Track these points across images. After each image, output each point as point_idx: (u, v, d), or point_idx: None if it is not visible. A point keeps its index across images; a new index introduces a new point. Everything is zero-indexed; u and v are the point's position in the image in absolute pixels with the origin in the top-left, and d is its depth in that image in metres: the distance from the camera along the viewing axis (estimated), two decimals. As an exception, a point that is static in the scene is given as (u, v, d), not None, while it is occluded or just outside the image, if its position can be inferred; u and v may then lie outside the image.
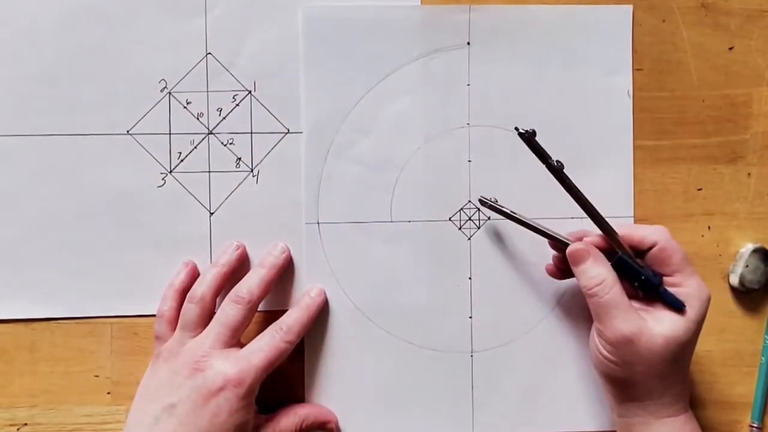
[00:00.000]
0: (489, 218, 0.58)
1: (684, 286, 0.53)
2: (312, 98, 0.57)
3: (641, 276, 0.53)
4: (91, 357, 0.57)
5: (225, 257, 0.56)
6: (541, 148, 0.52)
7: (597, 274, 0.53)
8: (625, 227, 0.54)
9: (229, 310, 0.53)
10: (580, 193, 0.53)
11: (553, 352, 0.59)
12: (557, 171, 0.52)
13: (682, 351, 0.52)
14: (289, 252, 0.57)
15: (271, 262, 0.56)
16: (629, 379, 0.52)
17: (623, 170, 0.59)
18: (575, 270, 0.53)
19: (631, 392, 0.53)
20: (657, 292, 0.53)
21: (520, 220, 0.55)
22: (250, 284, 0.54)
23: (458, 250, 0.59)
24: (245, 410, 0.51)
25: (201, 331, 0.54)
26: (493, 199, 0.57)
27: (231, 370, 0.51)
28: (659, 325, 0.52)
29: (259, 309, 0.56)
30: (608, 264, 0.53)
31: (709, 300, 0.53)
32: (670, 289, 0.53)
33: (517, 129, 0.52)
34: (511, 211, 0.56)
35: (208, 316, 0.54)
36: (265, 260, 0.56)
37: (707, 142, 0.60)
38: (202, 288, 0.54)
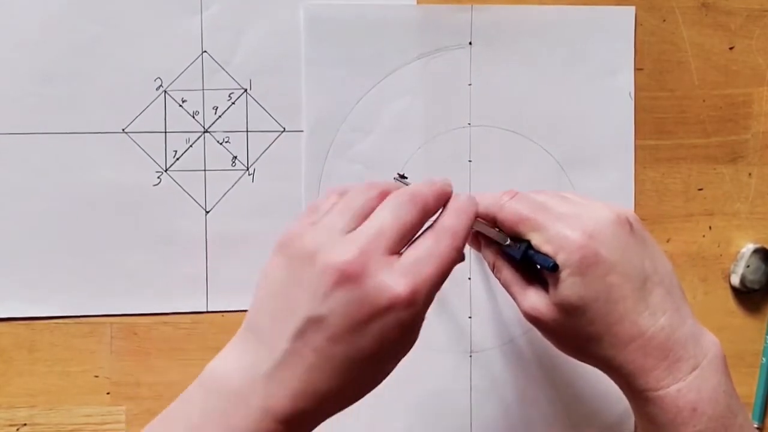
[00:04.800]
0: None
1: (545, 244, 0.43)
2: (313, 97, 0.56)
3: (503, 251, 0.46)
4: (91, 357, 0.56)
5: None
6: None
7: (488, 257, 0.49)
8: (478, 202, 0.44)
9: (400, 209, 0.40)
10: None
11: (552, 352, 0.55)
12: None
13: (576, 316, 0.42)
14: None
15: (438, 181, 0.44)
16: (583, 358, 0.46)
17: (624, 170, 0.58)
18: None
19: (615, 378, 0.45)
20: (519, 261, 0.45)
21: None
22: (425, 187, 0.42)
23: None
24: (417, 331, 0.40)
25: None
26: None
27: (399, 284, 0.37)
28: (550, 291, 0.44)
29: (237, 309, 0.55)
30: (492, 245, 0.48)
31: (581, 245, 0.42)
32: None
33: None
34: None
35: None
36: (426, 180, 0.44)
37: (708, 141, 0.59)
38: (381, 187, 0.42)
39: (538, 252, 0.44)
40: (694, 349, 0.42)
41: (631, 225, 0.44)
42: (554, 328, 0.44)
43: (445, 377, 0.57)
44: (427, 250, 0.39)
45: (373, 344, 0.37)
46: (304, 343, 0.37)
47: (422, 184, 0.42)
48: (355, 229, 0.39)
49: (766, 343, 0.59)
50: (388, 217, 0.39)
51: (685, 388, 0.41)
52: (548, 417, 0.58)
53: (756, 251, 0.58)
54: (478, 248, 0.49)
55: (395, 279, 0.37)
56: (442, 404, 0.57)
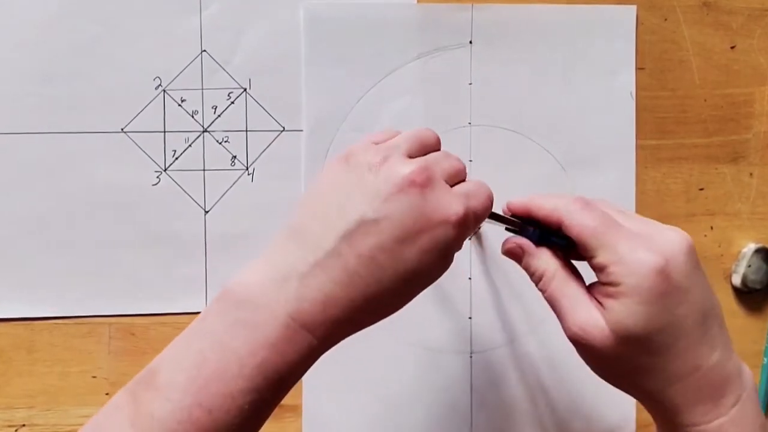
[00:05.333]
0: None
1: (614, 264, 0.39)
2: (312, 97, 0.56)
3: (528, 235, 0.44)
4: (89, 357, 0.56)
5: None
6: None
7: (536, 268, 0.44)
8: (533, 200, 0.44)
9: (452, 157, 0.43)
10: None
11: (553, 353, 0.58)
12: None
13: (633, 345, 0.39)
14: None
15: None
16: (625, 388, 0.42)
17: (625, 170, 0.58)
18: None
19: (655, 411, 0.42)
20: (546, 243, 0.43)
21: None
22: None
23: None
24: (452, 256, 0.40)
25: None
26: None
27: (456, 203, 0.39)
28: (607, 314, 0.40)
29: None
30: (548, 253, 0.44)
31: (658, 270, 0.38)
32: (600, 275, 0.41)
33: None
34: None
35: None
36: None
37: (709, 141, 0.59)
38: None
39: (552, 232, 0.43)
40: (737, 383, 0.40)
41: (696, 254, 0.40)
42: (603, 355, 0.40)
43: (445, 377, 0.57)
44: (476, 188, 0.41)
45: (416, 258, 0.38)
46: (350, 245, 0.37)
47: None
48: (415, 158, 0.40)
49: (767, 343, 0.59)
50: (443, 157, 0.41)
51: (727, 422, 0.39)
52: (548, 418, 0.58)
53: (757, 251, 0.58)
54: (520, 259, 0.45)
55: (453, 198, 0.39)
56: (442, 404, 0.57)
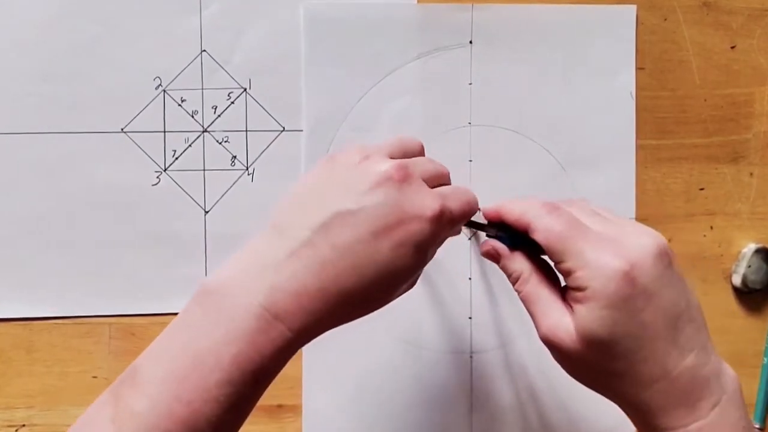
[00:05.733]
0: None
1: (580, 269, 0.39)
2: (312, 96, 0.56)
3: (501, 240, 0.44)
4: (89, 357, 0.56)
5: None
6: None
7: (512, 271, 0.44)
8: (504, 205, 0.45)
9: (435, 162, 0.44)
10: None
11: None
12: None
13: (600, 349, 0.39)
14: None
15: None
16: (600, 391, 0.42)
17: (625, 170, 0.58)
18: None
19: (632, 414, 0.42)
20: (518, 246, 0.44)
21: None
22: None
23: (458, 251, 0.57)
24: (428, 253, 0.41)
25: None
26: None
27: (432, 200, 0.40)
28: (575, 318, 0.40)
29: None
30: (521, 256, 0.44)
31: (622, 275, 0.38)
32: (567, 280, 0.41)
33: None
34: None
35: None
36: None
37: (709, 141, 0.59)
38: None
39: (524, 237, 0.43)
40: (715, 386, 0.39)
41: (669, 256, 0.40)
42: (573, 358, 0.41)
43: (445, 377, 0.57)
44: (454, 191, 0.42)
45: (390, 252, 0.38)
46: (326, 235, 0.38)
47: None
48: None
49: (767, 343, 0.59)
50: (426, 160, 0.43)
51: (706, 426, 0.39)
52: (548, 418, 0.58)
53: (757, 251, 0.58)
54: (497, 260, 0.45)
55: (429, 195, 0.40)
56: (442, 404, 0.57)
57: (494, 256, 0.45)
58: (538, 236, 0.41)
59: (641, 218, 0.58)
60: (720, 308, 0.59)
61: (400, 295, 0.42)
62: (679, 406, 0.39)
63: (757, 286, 0.58)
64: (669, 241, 0.57)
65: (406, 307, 0.57)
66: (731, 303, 0.59)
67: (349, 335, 0.55)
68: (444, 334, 0.57)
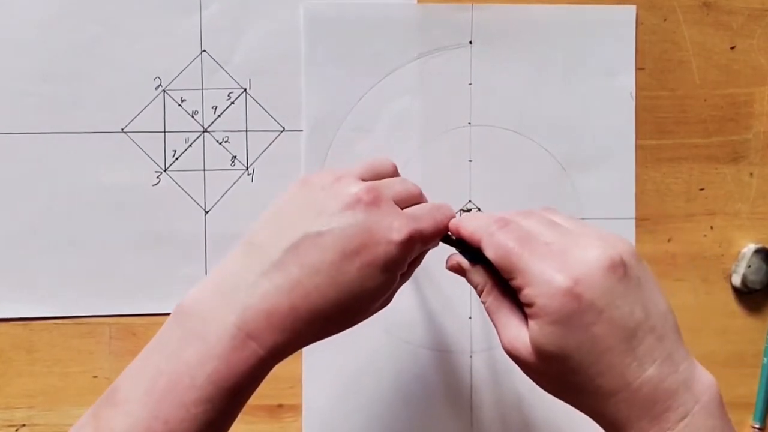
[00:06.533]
0: None
1: (526, 286, 0.39)
2: (312, 97, 0.56)
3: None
4: (90, 358, 0.56)
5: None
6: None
7: (476, 283, 0.44)
8: (461, 221, 0.44)
9: (407, 182, 0.45)
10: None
11: None
12: None
13: (554, 363, 0.39)
14: None
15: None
16: (568, 402, 0.41)
17: (625, 170, 0.58)
18: None
19: (599, 424, 0.41)
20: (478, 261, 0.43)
21: None
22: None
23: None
24: (396, 274, 0.42)
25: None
26: None
27: (399, 222, 0.40)
28: (529, 333, 0.40)
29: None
30: (482, 270, 0.44)
31: (565, 291, 0.38)
32: (519, 296, 0.40)
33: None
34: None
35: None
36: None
37: (709, 141, 0.59)
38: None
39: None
40: (685, 396, 0.38)
41: (625, 267, 0.39)
42: (533, 371, 0.40)
43: (445, 377, 0.57)
44: (426, 210, 0.43)
45: (357, 273, 0.39)
46: (296, 256, 0.39)
47: None
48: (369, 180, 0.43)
49: (767, 343, 0.59)
50: (396, 182, 0.44)
51: None
52: (547, 417, 0.58)
53: (757, 251, 0.58)
54: (462, 273, 0.45)
55: (398, 218, 0.41)
56: (442, 404, 0.57)
57: (458, 270, 0.45)
58: (488, 254, 0.41)
59: (641, 218, 0.58)
60: (720, 308, 0.59)
61: (375, 312, 0.43)
62: (642, 418, 0.38)
63: (757, 286, 0.58)
64: (668, 241, 0.58)
65: (407, 307, 0.57)
66: (731, 303, 0.59)
67: (349, 335, 0.55)
68: (444, 334, 0.57)
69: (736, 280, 0.58)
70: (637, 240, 0.57)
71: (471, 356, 0.57)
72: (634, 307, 0.38)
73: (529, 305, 0.39)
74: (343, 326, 0.42)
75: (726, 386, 0.57)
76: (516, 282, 0.39)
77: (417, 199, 0.45)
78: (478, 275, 0.44)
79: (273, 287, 0.39)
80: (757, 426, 0.59)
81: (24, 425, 0.55)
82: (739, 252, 0.59)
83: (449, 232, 0.45)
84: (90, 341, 0.55)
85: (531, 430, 0.58)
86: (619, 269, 0.38)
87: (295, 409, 0.56)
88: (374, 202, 0.40)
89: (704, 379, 0.39)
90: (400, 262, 0.41)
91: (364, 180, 0.42)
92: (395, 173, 0.46)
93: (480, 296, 0.44)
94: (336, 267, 0.39)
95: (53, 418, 0.55)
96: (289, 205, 0.42)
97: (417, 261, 0.46)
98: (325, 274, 0.39)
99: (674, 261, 0.58)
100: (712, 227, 0.59)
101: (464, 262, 0.44)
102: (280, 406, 0.56)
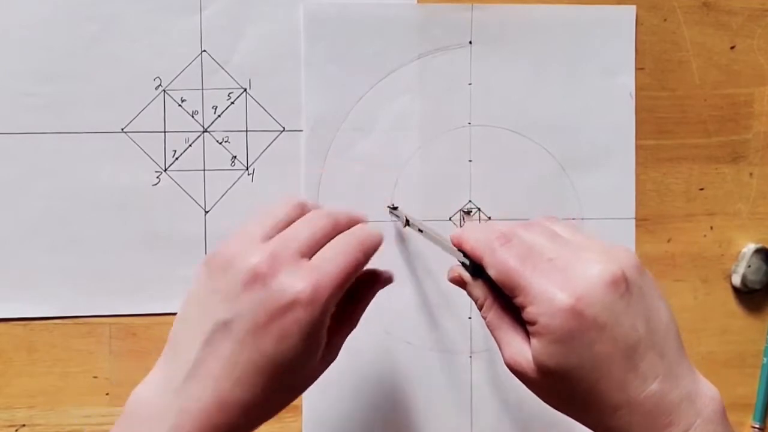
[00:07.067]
0: (489, 218, 0.57)
1: (529, 305, 0.39)
2: (312, 96, 0.56)
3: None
4: (90, 358, 0.55)
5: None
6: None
7: (476, 297, 0.44)
8: (464, 234, 0.44)
9: (313, 220, 0.42)
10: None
11: None
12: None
13: (556, 380, 0.39)
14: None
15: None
16: (570, 416, 0.41)
17: (625, 170, 0.58)
18: None
19: None
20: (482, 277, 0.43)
21: (420, 229, 0.51)
22: (337, 209, 0.44)
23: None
24: (318, 334, 0.40)
25: None
26: (392, 205, 0.55)
27: (301, 283, 0.38)
28: (532, 350, 0.39)
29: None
30: (482, 284, 0.43)
31: (567, 310, 0.37)
32: (522, 313, 0.40)
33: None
34: (412, 219, 0.53)
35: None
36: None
37: (709, 141, 0.59)
38: (307, 205, 0.44)
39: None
40: (688, 410, 0.38)
41: (627, 283, 0.38)
42: (535, 386, 0.40)
43: (445, 377, 0.57)
44: (334, 249, 0.41)
45: (275, 346, 0.38)
46: (212, 350, 0.39)
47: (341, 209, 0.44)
48: (272, 237, 0.41)
49: (767, 343, 0.59)
50: (302, 226, 0.41)
51: None
52: (547, 417, 0.57)
53: (757, 251, 0.58)
54: (463, 286, 0.45)
55: (299, 278, 0.38)
56: (442, 404, 0.57)
57: (459, 283, 0.45)
58: (491, 272, 0.41)
59: (641, 218, 0.58)
60: (720, 308, 0.59)
61: (322, 371, 0.43)
62: None
63: (757, 286, 0.58)
64: (668, 241, 0.58)
65: (407, 307, 0.57)
66: (731, 303, 0.59)
67: (349, 336, 0.56)
68: (444, 334, 0.57)
69: (736, 280, 0.58)
70: (637, 240, 0.57)
71: (471, 356, 0.57)
72: (636, 322, 0.38)
73: (532, 323, 0.38)
74: (285, 403, 0.41)
75: (726, 386, 0.56)
76: (518, 300, 0.39)
77: (331, 233, 0.42)
78: (479, 290, 0.43)
79: (200, 388, 0.38)
80: (757, 426, 0.59)
81: (24, 425, 0.55)
82: (739, 252, 0.58)
83: (452, 244, 0.44)
84: (90, 341, 0.55)
85: (531, 430, 0.57)
86: (621, 285, 0.38)
87: (295, 409, 0.56)
88: (272, 271, 0.39)
89: (707, 392, 0.39)
90: (317, 323, 0.39)
91: (267, 238, 0.41)
92: (303, 210, 0.43)
93: (480, 311, 0.43)
94: (252, 349, 0.38)
95: (53, 418, 0.55)
96: (196, 295, 0.41)
97: (361, 304, 0.46)
98: (244, 362, 0.38)
99: (674, 261, 0.58)
100: (712, 227, 0.58)
101: (466, 275, 0.44)
102: (280, 406, 0.56)
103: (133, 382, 0.54)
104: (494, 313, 0.42)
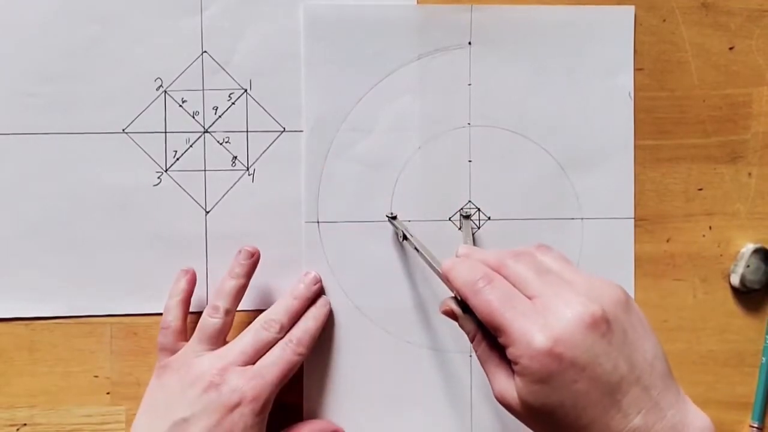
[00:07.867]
0: (489, 218, 0.57)
1: (510, 345, 0.39)
2: (312, 97, 0.56)
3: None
4: (91, 357, 0.56)
5: (241, 268, 0.53)
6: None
7: (467, 330, 0.44)
8: (452, 270, 0.45)
9: (260, 335, 0.51)
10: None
11: None
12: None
13: (540, 417, 0.40)
14: (321, 283, 0.56)
15: (303, 294, 0.54)
16: None
17: (624, 170, 0.58)
18: None
19: None
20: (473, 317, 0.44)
21: (416, 248, 0.52)
22: (279, 313, 0.53)
23: (458, 251, 0.56)
24: (259, 426, 0.49)
25: (221, 345, 0.52)
26: (392, 214, 0.56)
27: (246, 386, 0.49)
28: (516, 387, 0.40)
29: (257, 308, 0.55)
30: (471, 319, 0.44)
31: (545, 352, 0.38)
32: (506, 352, 0.41)
33: None
34: (410, 235, 0.53)
35: (228, 329, 0.53)
36: (295, 290, 0.54)
37: (708, 141, 0.58)
38: (223, 302, 0.52)
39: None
40: None
41: (608, 323, 0.39)
42: (522, 418, 0.41)
43: (446, 376, 0.57)
44: (273, 358, 0.51)
45: None
46: None
47: (289, 296, 0.54)
48: (219, 348, 0.51)
49: (766, 342, 0.59)
50: (249, 339, 0.51)
51: None
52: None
53: (756, 251, 0.58)
54: (455, 318, 0.45)
55: (244, 383, 0.49)
56: (442, 403, 0.57)
57: (451, 315, 0.45)
58: (476, 312, 0.42)
59: (640, 218, 0.57)
60: (719, 308, 0.58)
61: None
62: None
63: (756, 286, 0.58)
64: (667, 241, 0.58)
65: (407, 307, 0.57)
66: (730, 303, 0.59)
67: (349, 335, 0.56)
68: (444, 334, 0.57)
69: (735, 279, 0.58)
70: (636, 240, 0.57)
71: (471, 356, 0.57)
72: (617, 361, 0.39)
73: (515, 363, 0.39)
74: None
75: (725, 385, 0.58)
76: (501, 340, 0.40)
77: (269, 343, 0.51)
78: (469, 324, 0.44)
79: None
80: (755, 425, 0.58)
81: (25, 425, 0.55)
82: (738, 252, 0.58)
83: (441, 277, 0.46)
84: (91, 341, 0.55)
85: (530, 430, 0.57)
86: (602, 325, 0.39)
87: (295, 409, 0.56)
88: (223, 380, 0.49)
89: (697, 422, 0.39)
90: (258, 413, 0.49)
91: (212, 348, 0.51)
92: (231, 319, 0.52)
93: (471, 343, 0.44)
94: None
95: (54, 418, 0.55)
96: (155, 396, 0.50)
97: None
98: None
99: (673, 261, 0.58)
100: (710, 227, 0.58)
101: (456, 309, 0.45)
102: (280, 405, 0.56)
103: (134, 381, 0.55)
104: (483, 348, 0.43)
